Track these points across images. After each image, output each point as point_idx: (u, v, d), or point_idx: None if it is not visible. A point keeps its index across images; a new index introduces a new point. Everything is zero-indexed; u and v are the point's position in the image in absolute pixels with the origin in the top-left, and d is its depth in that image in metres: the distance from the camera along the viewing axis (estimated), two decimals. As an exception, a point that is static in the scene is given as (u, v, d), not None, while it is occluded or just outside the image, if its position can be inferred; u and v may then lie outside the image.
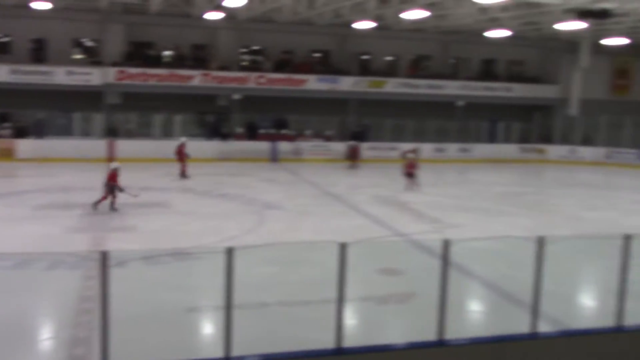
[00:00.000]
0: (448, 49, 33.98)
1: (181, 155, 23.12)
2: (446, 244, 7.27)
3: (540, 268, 7.71)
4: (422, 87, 32.48)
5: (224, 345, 6.71)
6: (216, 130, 29.54)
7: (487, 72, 35.07)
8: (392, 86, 32.00)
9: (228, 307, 6.55)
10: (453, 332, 7.99)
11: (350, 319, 10.39)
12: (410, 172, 22.72)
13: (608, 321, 8.42)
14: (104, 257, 5.93)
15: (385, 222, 17.05)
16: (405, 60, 33.91)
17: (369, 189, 22.46)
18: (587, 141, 33.40)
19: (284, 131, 30.35)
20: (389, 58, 33.97)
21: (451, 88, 32.92)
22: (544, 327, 8.43)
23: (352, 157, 27.43)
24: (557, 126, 33.78)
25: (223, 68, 30.33)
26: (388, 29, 30.05)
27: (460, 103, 32.76)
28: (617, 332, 8.19)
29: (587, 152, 32.72)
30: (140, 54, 30.36)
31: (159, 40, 30.92)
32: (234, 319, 6.88)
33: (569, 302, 11.54)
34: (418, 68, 34.10)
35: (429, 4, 23.76)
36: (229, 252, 6.41)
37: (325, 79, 31.06)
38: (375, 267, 12.72)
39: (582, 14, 19.67)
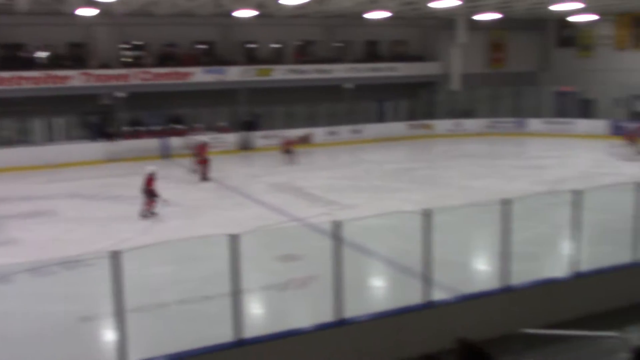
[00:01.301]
0: (332, 33, 34.31)
1: (202, 155, 22.20)
2: (336, 225, 7.36)
3: (429, 239, 7.97)
4: (310, 72, 32.64)
5: (119, 352, 6.47)
6: (101, 131, 28.40)
7: (372, 53, 35.72)
8: (280, 73, 31.95)
9: (119, 313, 6.31)
10: (356, 310, 8.15)
11: (253, 309, 10.37)
12: (288, 148, 24.96)
13: (497, 283, 8.88)
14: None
15: (282, 209, 17.09)
16: (291, 46, 33.92)
17: (265, 177, 22.40)
18: (470, 114, 34.91)
19: (176, 126, 29.64)
20: (274, 45, 33.86)
21: (338, 71, 33.29)
22: (440, 295, 8.76)
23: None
24: (441, 101, 35.05)
25: (103, 66, 29.10)
26: (271, 16, 29.91)
27: (349, 85, 33.21)
28: (505, 293, 8.64)
29: (470, 124, 34.18)
30: (11, 56, 28.58)
31: (31, 41, 29.20)
32: (133, 323, 6.66)
33: (463, 268, 12.05)
34: (304, 54, 34.24)
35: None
36: (115, 256, 6.17)
37: (212, 70, 30.56)
38: (274, 255, 12.74)
39: (454, -8, 20.41)
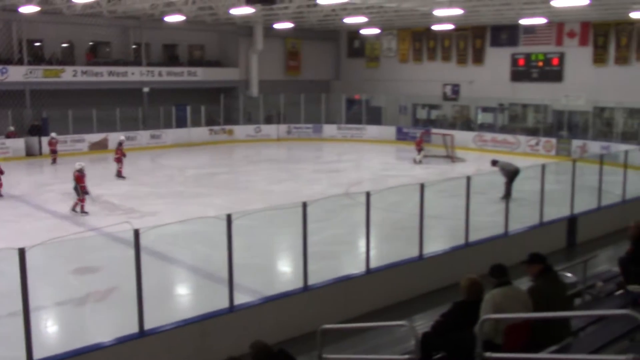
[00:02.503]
0: (128, 34, 33.07)
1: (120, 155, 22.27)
2: (135, 234, 7.16)
3: (231, 244, 8.06)
4: (105, 75, 31.14)
5: None
6: None
7: (170, 57, 35.06)
8: (71, 74, 30.04)
9: None
10: (161, 320, 7.98)
11: (48, 327, 9.70)
12: (53, 149, 25.54)
13: (298, 283, 9.22)
14: None
15: (77, 219, 16.16)
16: (83, 47, 32.11)
17: (57, 185, 20.88)
18: (269, 119, 35.75)
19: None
20: (64, 45, 31.79)
21: (135, 74, 32.14)
22: (244, 299, 8.89)
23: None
24: (242, 107, 35.42)
25: None
26: (59, 13, 28.06)
27: (146, 89, 32.26)
28: (306, 292, 9.01)
29: (270, 129, 35.02)
30: None
31: None
32: None
33: (266, 271, 12.32)
34: (97, 55, 32.59)
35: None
36: None
37: (-9, 70, 27.92)
38: (70, 268, 12.02)
39: (250, 0, 20.70)
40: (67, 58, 31.31)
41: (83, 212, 16.65)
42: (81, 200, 16.67)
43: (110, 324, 9.53)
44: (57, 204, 18.01)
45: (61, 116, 28.75)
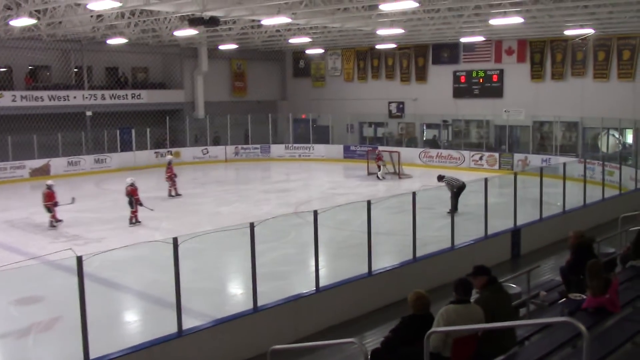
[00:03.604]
0: (69, 57, 32.42)
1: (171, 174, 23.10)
2: (79, 260, 6.99)
3: (178, 267, 7.95)
4: (45, 99, 30.38)
5: None
6: None
7: (114, 79, 34.50)
8: (10, 100, 29.22)
9: None
10: (106, 348, 7.77)
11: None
12: None
13: (248, 304, 9.14)
14: None
15: (18, 247, 15.65)
16: (22, 71, 31.29)
17: (-4, 214, 20.27)
18: (216, 141, 35.53)
19: None
20: (2, 69, 30.92)
21: (77, 98, 31.49)
22: (194, 323, 8.75)
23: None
24: (188, 129, 35.10)
25: None
26: (-5, 37, 27.37)
27: (89, 113, 31.66)
28: (256, 313, 8.93)
29: (217, 150, 34.81)
30: None
31: None
32: None
33: (215, 294, 12.18)
34: (37, 79, 31.81)
35: (37, 10, 22.20)
36: None
37: None
38: (11, 299, 11.61)
39: (193, 22, 20.61)
40: (6, 83, 30.43)
41: (137, 221, 18.10)
42: (134, 212, 18.06)
43: (55, 355, 9.26)
44: (-4, 233, 17.47)
45: (0, 142, 27.92)
